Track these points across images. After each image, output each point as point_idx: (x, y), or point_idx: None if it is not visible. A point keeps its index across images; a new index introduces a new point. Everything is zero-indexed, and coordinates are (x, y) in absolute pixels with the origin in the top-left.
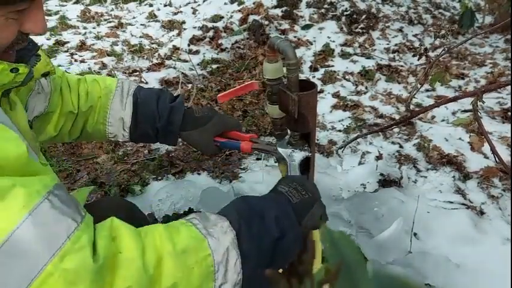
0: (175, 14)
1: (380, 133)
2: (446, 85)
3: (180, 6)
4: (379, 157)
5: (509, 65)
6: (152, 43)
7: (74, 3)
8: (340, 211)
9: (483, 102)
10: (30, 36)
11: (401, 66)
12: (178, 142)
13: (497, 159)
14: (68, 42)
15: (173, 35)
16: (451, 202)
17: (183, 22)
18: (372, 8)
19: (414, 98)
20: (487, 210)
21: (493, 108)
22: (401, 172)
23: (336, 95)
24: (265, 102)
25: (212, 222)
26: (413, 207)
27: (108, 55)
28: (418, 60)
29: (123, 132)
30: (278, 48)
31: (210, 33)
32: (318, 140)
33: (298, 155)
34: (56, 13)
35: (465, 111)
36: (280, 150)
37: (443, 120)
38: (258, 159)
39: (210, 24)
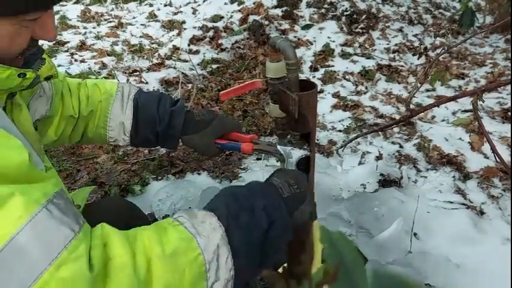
0: (175, 14)
1: (380, 133)
2: (446, 85)
3: (180, 6)
4: (379, 157)
5: (509, 65)
6: (152, 43)
7: (74, 3)
8: (340, 211)
9: (483, 101)
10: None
11: (402, 66)
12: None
13: (497, 159)
14: (68, 42)
15: (173, 35)
16: (451, 202)
17: (183, 22)
18: (372, 8)
19: (414, 97)
20: (487, 210)
21: (493, 108)
22: (401, 172)
23: (336, 95)
24: (266, 102)
25: (200, 219)
26: (413, 207)
27: (108, 55)
28: (418, 59)
29: (124, 137)
30: (278, 47)
31: (210, 33)
32: (318, 140)
33: (297, 153)
34: (56, 13)
35: (465, 111)
36: (279, 147)
37: (443, 120)
38: (258, 159)
39: (210, 24)
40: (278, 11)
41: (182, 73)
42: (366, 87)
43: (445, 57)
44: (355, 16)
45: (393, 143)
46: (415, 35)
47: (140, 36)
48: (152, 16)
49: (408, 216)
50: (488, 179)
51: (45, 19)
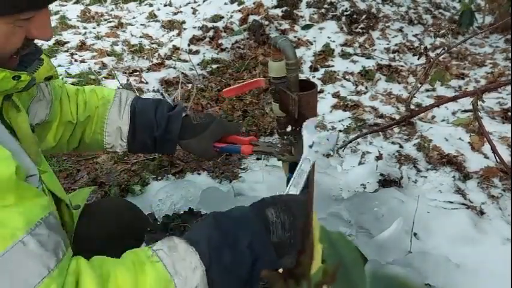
0: (175, 14)
1: (380, 133)
2: (446, 85)
3: (180, 6)
4: (379, 157)
5: (509, 65)
6: (152, 43)
7: (74, 3)
8: (340, 211)
9: (483, 101)
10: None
11: (402, 66)
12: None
13: (497, 159)
14: (68, 42)
15: (173, 35)
16: (451, 202)
17: (183, 22)
18: (372, 8)
19: (414, 97)
20: (487, 210)
21: (493, 108)
22: (401, 172)
23: (336, 95)
24: (266, 102)
25: (180, 255)
26: (413, 207)
27: (108, 55)
28: (418, 59)
29: (121, 142)
30: (279, 47)
31: (210, 33)
32: None
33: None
34: (56, 13)
35: (465, 111)
36: (306, 151)
37: (443, 120)
38: (258, 159)
39: (210, 24)
40: (278, 11)
41: (182, 73)
42: (366, 87)
43: (445, 57)
44: (355, 16)
45: (393, 143)
46: (415, 35)
47: (140, 36)
48: (152, 16)
49: (408, 216)
50: (488, 179)
51: (39, 18)
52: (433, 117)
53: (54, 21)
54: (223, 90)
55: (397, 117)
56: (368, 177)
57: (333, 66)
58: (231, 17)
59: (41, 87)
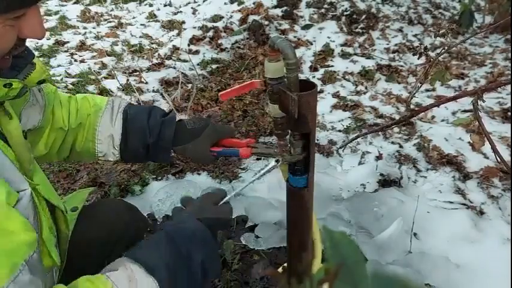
0: (175, 14)
1: (380, 133)
2: (446, 85)
3: (180, 6)
4: (379, 157)
5: (509, 65)
6: (152, 43)
7: (74, 3)
8: (340, 211)
9: (483, 101)
10: (26, 44)
11: (401, 66)
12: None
13: (498, 158)
14: (68, 42)
15: (173, 35)
16: (451, 202)
17: (183, 22)
18: (372, 8)
19: (414, 97)
20: (487, 210)
21: (493, 108)
22: (401, 172)
23: (336, 95)
24: (266, 102)
25: (139, 286)
26: (413, 207)
27: (108, 55)
28: (418, 59)
29: (113, 150)
30: (278, 47)
31: (210, 33)
32: (317, 140)
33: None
34: (56, 13)
35: (465, 111)
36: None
37: (443, 120)
38: (257, 159)
39: (210, 24)
40: (278, 11)
41: (182, 73)
42: (366, 87)
43: (445, 57)
44: (355, 16)
45: (393, 143)
46: (415, 35)
47: (140, 36)
48: (152, 16)
49: (408, 216)
50: (488, 179)
51: (30, 17)
52: (433, 117)
53: (54, 21)
54: (220, 93)
55: (397, 117)
56: (368, 177)
57: (332, 66)
58: (231, 17)
59: (34, 91)
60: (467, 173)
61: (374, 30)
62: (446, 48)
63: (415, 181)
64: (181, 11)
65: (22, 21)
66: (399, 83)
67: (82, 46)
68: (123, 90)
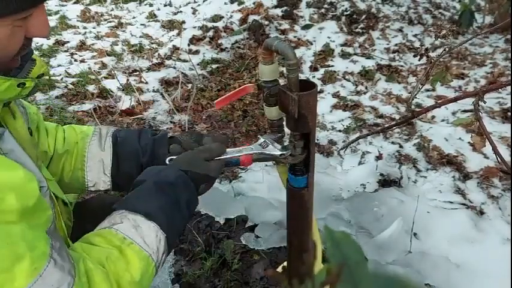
0: (175, 14)
1: (380, 133)
2: (446, 85)
3: (180, 6)
4: (379, 157)
5: (509, 65)
6: (152, 43)
7: (74, 3)
8: (340, 211)
9: (484, 102)
10: None
11: (401, 66)
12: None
13: (498, 159)
14: (68, 42)
15: (173, 35)
16: (451, 202)
17: (183, 22)
18: (372, 8)
19: (415, 98)
20: (487, 210)
21: (493, 108)
22: (401, 172)
23: (336, 95)
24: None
25: (145, 232)
26: (413, 207)
27: (108, 55)
28: (419, 60)
29: (104, 178)
30: (276, 49)
31: (210, 33)
32: (317, 140)
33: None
34: (56, 13)
35: (465, 111)
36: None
37: (443, 120)
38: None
39: (210, 24)
40: (278, 11)
41: (182, 73)
42: (366, 87)
43: (445, 57)
44: (355, 16)
45: (393, 143)
46: (415, 35)
47: (140, 36)
48: (152, 16)
49: (408, 216)
50: (488, 179)
51: (37, 16)
52: (433, 117)
53: (54, 21)
54: (215, 102)
55: (397, 117)
56: (368, 177)
57: (332, 66)
58: (231, 17)
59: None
60: (467, 173)
61: (374, 30)
62: (447, 49)
63: (415, 181)
64: (181, 11)
65: (29, 21)
66: (399, 83)
67: (82, 46)
68: (123, 90)
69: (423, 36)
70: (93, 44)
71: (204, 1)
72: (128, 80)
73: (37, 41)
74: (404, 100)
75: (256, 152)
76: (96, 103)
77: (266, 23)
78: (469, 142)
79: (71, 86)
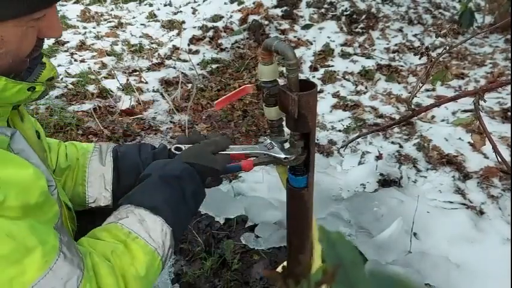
0: (175, 13)
1: (380, 133)
2: (446, 85)
3: (180, 6)
4: (379, 157)
5: (509, 65)
6: (152, 43)
7: (74, 3)
8: (340, 211)
9: (485, 101)
10: None
11: (401, 66)
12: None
13: (499, 158)
14: (68, 42)
15: (173, 35)
16: (451, 202)
17: (183, 22)
18: (372, 8)
19: (415, 97)
20: (487, 210)
21: (493, 108)
22: (401, 172)
23: (336, 95)
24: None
25: (150, 226)
26: (413, 207)
27: (108, 55)
28: (420, 59)
29: (105, 194)
30: (276, 49)
31: (210, 33)
32: (317, 140)
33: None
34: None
35: (465, 111)
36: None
37: (443, 120)
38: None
39: (210, 24)
40: (278, 11)
41: (182, 73)
42: (366, 87)
43: (445, 57)
44: (355, 16)
45: (393, 142)
46: (415, 35)
47: (140, 36)
48: (152, 16)
49: (408, 216)
50: (488, 179)
51: (50, 16)
52: (433, 117)
53: None
54: (214, 103)
55: (397, 117)
56: (368, 177)
57: (332, 66)
58: (231, 17)
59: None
60: (467, 173)
61: (374, 30)
62: (447, 48)
63: (415, 181)
64: (181, 11)
65: (42, 22)
66: (399, 83)
67: (82, 46)
68: (123, 90)
69: (423, 36)
70: (93, 44)
71: (204, 1)
72: (127, 80)
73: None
74: (404, 100)
75: (260, 152)
76: (96, 103)
77: (266, 23)
78: (469, 142)
79: (71, 86)
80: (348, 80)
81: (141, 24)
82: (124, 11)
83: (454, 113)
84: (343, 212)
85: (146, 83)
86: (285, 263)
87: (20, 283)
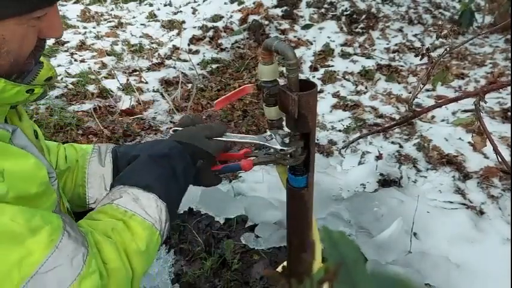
0: (175, 13)
1: (380, 133)
2: (446, 85)
3: (180, 6)
4: (379, 157)
5: (509, 65)
6: (152, 43)
7: (74, 3)
8: (340, 211)
9: (485, 102)
10: None
11: (401, 66)
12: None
13: (499, 159)
14: (68, 42)
15: (173, 35)
16: (451, 202)
17: (183, 22)
18: (372, 8)
19: (415, 97)
20: (487, 210)
21: (493, 108)
22: (401, 172)
23: (336, 95)
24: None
25: (145, 203)
26: (413, 207)
27: (108, 55)
28: (421, 60)
29: (105, 194)
30: (276, 49)
31: (210, 33)
32: (317, 140)
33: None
34: None
35: (465, 111)
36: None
37: (443, 120)
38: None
39: (210, 24)
40: (278, 11)
41: (182, 73)
42: (366, 87)
43: (445, 57)
44: (355, 16)
45: (393, 142)
46: (415, 35)
47: (140, 36)
48: (152, 16)
49: (408, 216)
50: (488, 179)
51: (51, 16)
52: (433, 117)
53: None
54: (215, 102)
55: (397, 117)
56: (368, 177)
57: (332, 66)
58: (231, 16)
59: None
60: (467, 173)
61: (374, 30)
62: (448, 49)
63: (415, 181)
64: (181, 11)
65: (43, 21)
66: (399, 83)
67: (82, 46)
68: (123, 90)
69: (423, 36)
70: (93, 44)
71: (204, 1)
72: (127, 80)
73: None
74: (404, 100)
75: (258, 143)
76: (96, 103)
77: (266, 23)
78: (469, 142)
79: (71, 86)
80: (348, 80)
81: (141, 24)
82: (124, 11)
83: (454, 113)
84: (343, 212)
85: (146, 83)
86: (285, 263)
87: (29, 263)
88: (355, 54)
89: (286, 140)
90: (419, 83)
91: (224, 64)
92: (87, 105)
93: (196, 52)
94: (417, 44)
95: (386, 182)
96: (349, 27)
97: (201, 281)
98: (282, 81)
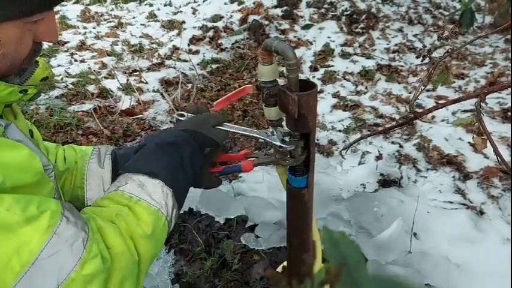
0: (175, 13)
1: (381, 133)
2: (446, 85)
3: (180, 6)
4: (379, 157)
5: (509, 65)
6: (152, 43)
7: (74, 3)
8: (340, 211)
9: (486, 103)
10: None
11: (401, 66)
12: None
13: (499, 159)
14: (68, 42)
15: (173, 35)
16: (451, 202)
17: (183, 22)
18: (372, 8)
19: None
20: (487, 210)
21: (493, 108)
22: (401, 172)
23: (336, 95)
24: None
25: (150, 189)
26: (413, 207)
27: (108, 55)
28: (422, 61)
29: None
30: (276, 50)
31: (210, 33)
32: (317, 140)
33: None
34: (56, 13)
35: (465, 111)
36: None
37: (443, 120)
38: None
39: (210, 24)
40: (278, 11)
41: (182, 73)
42: (366, 87)
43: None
44: (355, 16)
45: (393, 143)
46: (415, 35)
47: (140, 36)
48: (152, 16)
49: (408, 216)
50: (488, 179)
51: (48, 20)
52: (433, 117)
53: None
54: (215, 102)
55: (397, 117)
56: (368, 177)
57: (332, 66)
58: (231, 17)
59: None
60: (467, 173)
61: (374, 30)
62: (449, 50)
63: (415, 181)
64: (181, 11)
65: (40, 25)
66: (399, 83)
67: (82, 46)
68: (123, 90)
69: (423, 36)
70: (93, 44)
71: (204, 1)
72: (127, 80)
73: None
74: (404, 100)
75: (259, 137)
76: (96, 103)
77: (266, 23)
78: (469, 142)
79: (71, 86)
80: (348, 80)
81: (141, 24)
82: (124, 11)
83: (454, 113)
84: (343, 212)
85: (146, 83)
86: (285, 263)
87: (27, 251)
88: (355, 54)
89: (287, 139)
90: (420, 84)
91: (224, 64)
92: (87, 106)
93: (196, 52)
94: (417, 44)
95: (386, 182)
96: (349, 27)
97: (201, 281)
98: (282, 81)
